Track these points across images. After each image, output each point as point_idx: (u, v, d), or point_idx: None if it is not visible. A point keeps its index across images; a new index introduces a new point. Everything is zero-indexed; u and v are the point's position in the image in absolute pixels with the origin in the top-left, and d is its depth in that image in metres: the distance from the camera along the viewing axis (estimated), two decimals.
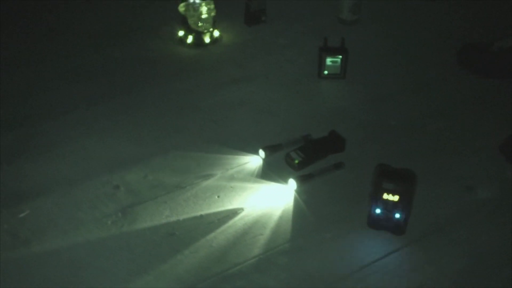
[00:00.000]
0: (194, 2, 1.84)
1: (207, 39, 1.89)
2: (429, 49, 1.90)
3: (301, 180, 1.35)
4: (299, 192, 1.33)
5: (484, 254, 1.18)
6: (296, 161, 1.39)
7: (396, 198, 1.22)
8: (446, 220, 1.30)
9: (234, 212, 1.28)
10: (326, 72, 1.74)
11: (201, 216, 1.26)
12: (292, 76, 1.77)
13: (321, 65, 1.74)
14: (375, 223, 1.21)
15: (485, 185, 1.34)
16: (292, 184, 1.35)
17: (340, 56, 1.72)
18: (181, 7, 1.86)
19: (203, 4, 1.85)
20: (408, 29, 2.00)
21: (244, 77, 1.74)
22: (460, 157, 1.47)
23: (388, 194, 1.22)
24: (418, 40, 1.96)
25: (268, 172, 1.39)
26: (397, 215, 1.18)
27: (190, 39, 1.89)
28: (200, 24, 1.87)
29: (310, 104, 1.64)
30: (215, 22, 1.89)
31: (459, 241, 1.21)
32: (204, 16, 1.86)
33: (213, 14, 1.88)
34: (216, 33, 1.92)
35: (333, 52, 1.72)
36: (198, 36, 1.88)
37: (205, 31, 1.87)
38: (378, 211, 1.19)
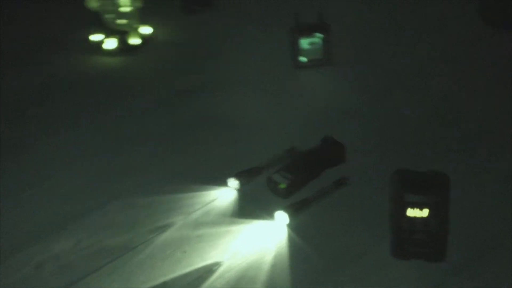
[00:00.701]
0: None
1: (135, 40, 1.92)
2: (440, 8, 1.99)
3: (293, 210, 1.36)
4: (293, 226, 1.34)
5: None
6: (282, 186, 1.41)
7: (425, 212, 1.24)
8: (497, 233, 1.32)
9: (208, 270, 1.27)
10: (303, 59, 1.78)
11: (165, 283, 1.26)
12: (261, 73, 1.81)
13: (296, 50, 1.77)
14: (403, 251, 1.23)
15: None
16: (281, 218, 1.36)
17: (321, 35, 1.76)
18: (93, 2, 1.87)
19: None
20: None
21: (198, 85, 1.78)
22: (501, 146, 1.50)
23: (413, 208, 1.24)
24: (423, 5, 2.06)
25: (247, 207, 1.40)
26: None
27: (111, 43, 1.91)
28: (121, 21, 1.90)
29: (289, 106, 1.68)
30: (142, 16, 1.96)
31: None
32: (125, 9, 1.90)
33: (137, 5, 1.91)
34: (147, 30, 1.95)
35: (309, 31, 1.76)
36: (122, 38, 1.91)
37: (131, 30, 1.91)
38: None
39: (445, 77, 1.71)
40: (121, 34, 1.87)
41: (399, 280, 1.23)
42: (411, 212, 1.24)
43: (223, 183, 1.45)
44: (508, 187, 1.40)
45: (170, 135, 1.61)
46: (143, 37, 1.88)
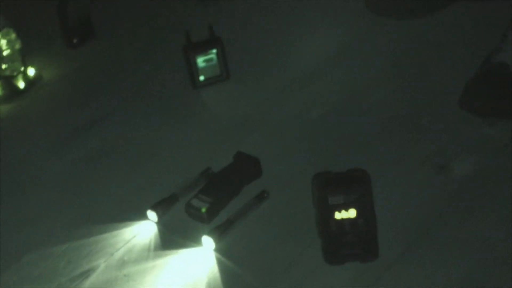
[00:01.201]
0: None
1: (21, 84, 1.89)
2: (332, 7, 2.03)
3: (218, 233, 1.36)
4: (220, 249, 1.34)
5: (489, 250, 1.23)
6: (203, 210, 1.40)
7: (352, 213, 1.25)
8: (424, 219, 1.35)
9: None
10: (202, 77, 1.79)
11: None
12: (158, 99, 1.81)
13: (193, 70, 1.78)
14: (336, 256, 1.24)
15: (461, 157, 1.42)
16: (208, 243, 1.35)
17: (214, 50, 1.77)
18: None
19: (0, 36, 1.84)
20: None
21: (93, 118, 1.76)
22: (415, 129, 1.56)
23: (340, 211, 1.25)
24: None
25: (171, 238, 1.39)
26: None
27: None
28: (3, 66, 1.86)
29: (194, 129, 1.68)
30: (24, 57, 1.90)
31: (451, 241, 1.26)
32: (6, 52, 1.86)
33: (17, 46, 1.88)
34: (31, 72, 1.92)
35: (203, 48, 1.77)
36: (7, 83, 1.88)
37: (15, 73, 1.88)
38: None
39: (339, 72, 1.76)
40: (5, 79, 1.84)
41: (334, 284, 1.25)
42: (338, 215, 1.25)
43: (140, 217, 1.44)
44: (427, 172, 1.44)
45: (71, 175, 1.59)
46: (28, 79, 1.86)
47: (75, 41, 2.03)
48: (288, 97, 1.74)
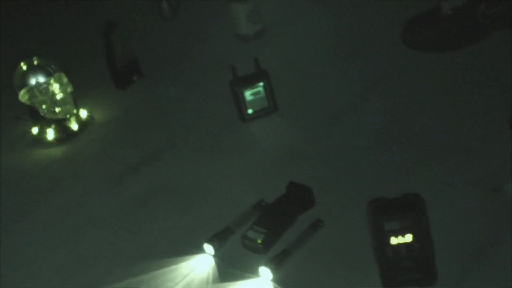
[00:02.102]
0: (38, 83, 1.89)
1: (74, 126, 1.94)
2: (369, 41, 2.06)
3: (275, 263, 1.37)
4: (278, 280, 1.35)
5: None
6: (259, 241, 1.42)
7: (408, 238, 1.26)
8: (479, 243, 1.33)
9: None
10: (250, 110, 1.82)
11: None
12: (208, 134, 1.83)
13: (241, 104, 1.81)
14: (394, 282, 1.24)
15: None
16: (265, 274, 1.36)
17: (261, 83, 1.80)
18: (23, 96, 1.90)
19: (52, 81, 1.90)
20: (333, 23, 2.18)
21: (145, 157, 1.79)
22: (467, 153, 1.56)
23: (396, 236, 1.26)
24: (350, 33, 2.11)
25: (228, 270, 1.40)
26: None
27: (51, 134, 1.93)
28: (57, 109, 1.92)
29: (245, 161, 1.70)
30: (76, 99, 1.96)
31: (508, 265, 1.26)
32: (59, 96, 1.91)
33: (69, 90, 1.93)
34: (83, 114, 1.97)
35: (250, 82, 1.80)
36: (60, 125, 1.93)
37: (68, 116, 1.93)
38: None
39: (381, 101, 1.78)
40: (59, 122, 1.89)
41: None
42: (394, 241, 1.25)
43: (197, 251, 1.45)
44: (479, 195, 1.44)
45: (126, 213, 1.61)
46: (80, 121, 1.91)
47: (126, 81, 2.08)
48: (335, 126, 1.75)
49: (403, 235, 1.25)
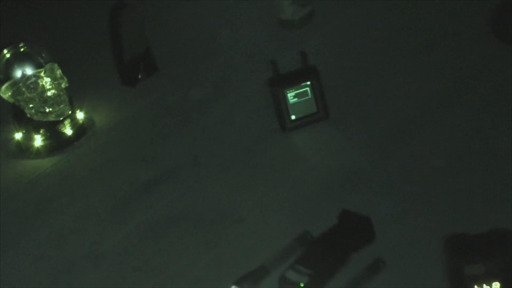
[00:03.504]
0: (25, 76, 1.89)
1: (68, 131, 1.94)
2: (445, 33, 2.04)
3: None
4: None
5: None
6: (302, 284, 1.41)
7: (496, 286, 1.25)
8: None
9: None
10: (293, 116, 1.81)
11: None
12: (238, 146, 1.83)
13: (282, 107, 1.79)
14: None
15: None
16: None
17: (309, 82, 1.79)
18: (5, 92, 1.91)
19: (43, 73, 1.91)
20: (398, 9, 2.17)
21: (158, 175, 1.78)
22: None
23: (480, 285, 1.25)
24: (419, 21, 2.10)
25: None
26: None
27: (39, 140, 1.93)
28: (48, 109, 1.92)
29: (285, 182, 1.69)
30: (71, 98, 1.96)
31: None
32: (51, 93, 1.92)
33: (64, 85, 1.94)
34: (80, 116, 1.98)
35: (294, 81, 1.79)
36: (52, 130, 1.93)
37: (61, 118, 1.93)
38: None
39: (465, 108, 1.76)
40: (49, 126, 1.91)
41: None
42: None
43: None
44: None
45: (134, 246, 1.62)
46: (76, 125, 1.93)
47: (135, 77, 2.09)
48: (402, 141, 1.74)
49: (489, 283, 1.25)
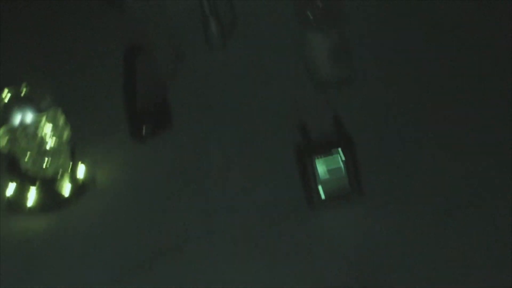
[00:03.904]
0: (23, 122, 1.86)
1: (66, 188, 1.91)
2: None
3: None
4: None
5: None
6: None
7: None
8: None
9: None
10: (322, 191, 1.75)
11: None
12: (260, 222, 1.78)
13: (310, 180, 1.74)
14: None
15: None
16: None
17: (342, 153, 1.75)
18: (1, 140, 1.87)
19: (44, 120, 1.87)
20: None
21: (164, 247, 1.74)
22: None
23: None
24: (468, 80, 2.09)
25: None
26: None
27: (32, 197, 1.89)
28: (45, 160, 1.88)
29: (312, 272, 1.63)
30: (73, 150, 1.93)
31: None
32: (51, 143, 1.89)
33: (66, 136, 1.91)
34: (81, 171, 1.94)
35: (325, 150, 1.75)
36: (47, 186, 1.90)
37: (59, 173, 1.90)
38: None
39: None
40: (45, 181, 1.88)
41: None
42: None
43: None
44: None
45: None
46: (76, 182, 1.89)
47: (144, 130, 2.07)
48: (457, 227, 1.67)
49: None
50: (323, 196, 1.76)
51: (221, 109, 2.17)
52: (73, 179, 1.92)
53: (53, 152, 1.89)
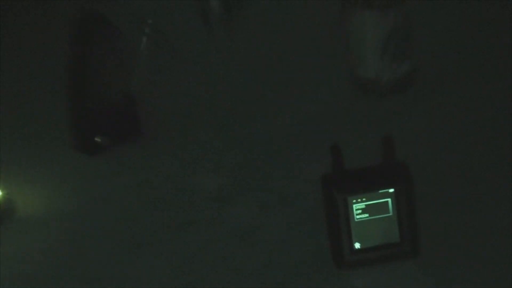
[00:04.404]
0: None
1: None
2: None
3: None
4: None
5: None
6: None
7: None
8: None
9: None
10: (358, 244, 1.57)
11: None
12: (268, 282, 1.61)
13: (340, 228, 1.56)
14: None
15: None
16: None
17: (391, 190, 1.55)
18: None
19: None
20: None
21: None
22: None
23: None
24: None
25: None
26: None
27: None
28: None
29: None
30: None
31: None
32: None
33: None
34: None
35: (366, 183, 1.58)
36: None
37: None
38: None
39: None
40: None
41: None
42: None
43: None
44: None
45: None
46: None
47: (98, 140, 1.90)
48: None
49: None
50: (359, 248, 1.58)
51: (220, 116, 2.01)
52: None
53: None
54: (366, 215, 1.55)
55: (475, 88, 2.09)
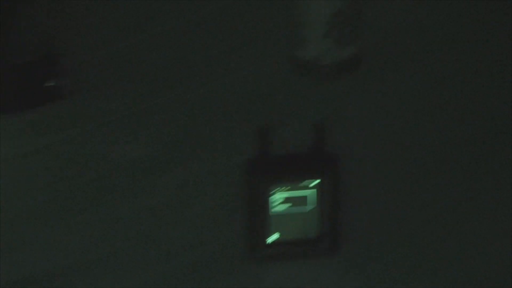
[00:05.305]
0: None
1: None
2: None
3: None
4: None
5: None
6: None
7: None
8: None
9: None
10: (274, 236, 1.53)
11: None
12: (179, 268, 1.56)
13: (256, 218, 1.53)
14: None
15: None
16: None
17: (317, 181, 1.52)
18: None
19: None
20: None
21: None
22: None
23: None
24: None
25: None
26: None
27: None
28: None
29: None
30: None
31: None
32: None
33: None
34: None
35: (291, 172, 1.53)
36: None
37: None
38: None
39: None
40: None
41: None
42: None
43: None
44: None
45: None
46: None
47: (26, 95, 1.88)
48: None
49: None
50: (274, 238, 1.55)
51: (158, 86, 1.97)
52: None
53: None
54: (287, 206, 1.52)
55: (417, 78, 2.06)
